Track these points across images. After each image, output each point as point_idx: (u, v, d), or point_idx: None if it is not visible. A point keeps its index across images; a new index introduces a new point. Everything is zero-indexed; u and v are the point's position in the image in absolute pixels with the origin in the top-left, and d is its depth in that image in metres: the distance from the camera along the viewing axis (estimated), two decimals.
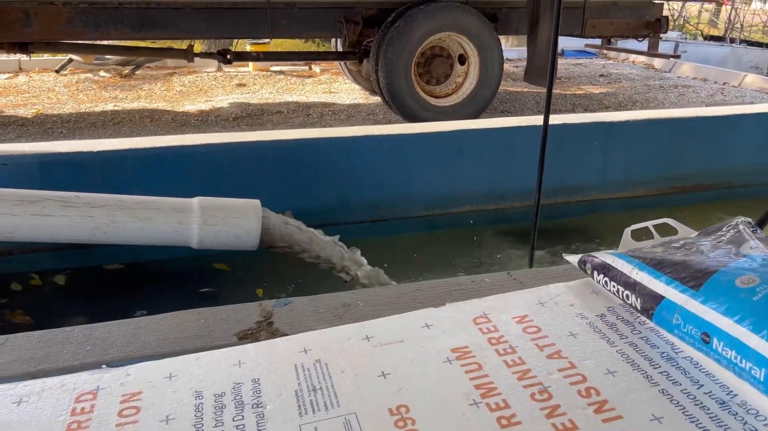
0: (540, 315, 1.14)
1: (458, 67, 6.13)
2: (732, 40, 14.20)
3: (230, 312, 1.23)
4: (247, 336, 1.16)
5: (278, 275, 2.52)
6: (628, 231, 1.32)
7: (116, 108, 6.97)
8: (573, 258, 1.28)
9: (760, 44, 13.19)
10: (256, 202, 1.68)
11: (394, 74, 5.64)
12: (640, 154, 2.96)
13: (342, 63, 7.73)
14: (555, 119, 2.91)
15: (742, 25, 15.54)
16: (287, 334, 1.16)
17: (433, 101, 6.00)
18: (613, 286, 1.15)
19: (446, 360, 1.03)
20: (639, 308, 1.09)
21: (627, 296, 1.11)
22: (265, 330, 1.17)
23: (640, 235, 1.33)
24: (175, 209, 1.62)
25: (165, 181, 2.43)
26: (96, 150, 2.36)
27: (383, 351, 1.06)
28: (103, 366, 1.06)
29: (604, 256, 1.19)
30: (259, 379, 1.01)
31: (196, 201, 1.66)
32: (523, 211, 2.82)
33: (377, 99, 7.36)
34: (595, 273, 1.20)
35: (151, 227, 1.53)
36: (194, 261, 2.47)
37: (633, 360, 1.00)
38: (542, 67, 6.20)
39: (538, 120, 2.88)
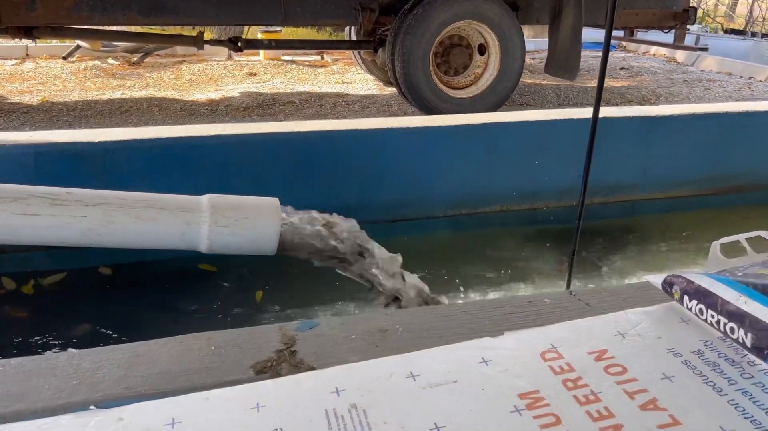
0: (622, 350, 0.93)
1: (478, 58, 5.90)
2: (753, 34, 13.84)
3: (245, 337, 1.04)
4: (265, 369, 0.96)
5: (277, 274, 2.31)
6: (716, 245, 1.11)
7: (124, 96, 6.80)
8: (655, 279, 1.07)
9: None
10: (275, 201, 1.47)
11: (411, 64, 5.41)
12: (684, 151, 2.74)
13: (356, 52, 7.51)
14: (590, 113, 2.69)
15: (764, 18, 15.16)
16: (314, 367, 0.97)
17: (451, 93, 5.77)
18: (712, 316, 0.94)
19: (514, 409, 0.83)
20: (749, 346, 0.88)
21: (731, 329, 0.91)
22: (287, 361, 0.98)
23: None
24: (181, 208, 1.41)
25: (171, 175, 2.25)
26: (97, 140, 2.17)
27: (434, 396, 0.86)
28: (92, 407, 0.87)
29: (699, 279, 0.99)
30: (281, 429, 0.82)
31: (205, 199, 1.45)
32: (559, 212, 2.62)
33: (391, 90, 7.14)
34: (686, 298, 0.99)
35: (154, 229, 1.33)
36: (178, 262, 2.26)
37: (752, 416, 0.79)
38: (565, 59, 5.97)
39: (576, 113, 2.67)
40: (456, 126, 2.42)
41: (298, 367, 0.97)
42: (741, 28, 15.28)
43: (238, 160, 2.26)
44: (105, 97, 6.72)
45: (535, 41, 9.93)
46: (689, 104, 5.28)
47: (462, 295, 2.05)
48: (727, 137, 2.68)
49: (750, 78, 8.20)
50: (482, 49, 5.86)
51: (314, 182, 2.34)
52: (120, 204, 1.35)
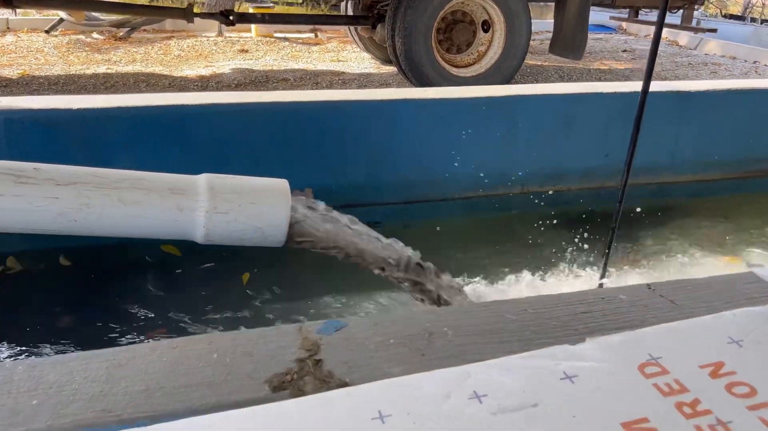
0: (743, 363, 0.73)
1: (481, 35, 5.65)
2: (753, 20, 13.69)
3: (256, 341, 0.83)
4: (284, 385, 0.75)
5: (263, 251, 1.94)
6: None
7: (109, 71, 6.49)
8: (763, 272, 0.87)
9: None
10: (284, 184, 1.24)
11: (413, 40, 5.16)
12: (716, 130, 2.55)
13: (352, 29, 7.22)
14: (624, 86, 2.49)
15: (764, 4, 14.99)
16: (347, 382, 0.76)
17: (454, 71, 5.53)
18: None
19: None
20: None
21: None
22: (311, 373, 0.77)
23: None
24: (173, 190, 1.17)
25: (159, 149, 2.01)
26: (75, 107, 1.91)
27: (509, 425, 0.66)
28: None
29: None
30: None
31: (203, 179, 1.21)
32: (582, 195, 2.42)
33: (389, 69, 6.89)
34: None
35: (139, 214, 1.10)
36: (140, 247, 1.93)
37: None
38: (571, 38, 5.74)
39: (606, 87, 2.46)
40: (474, 99, 2.20)
41: (326, 382, 0.76)
42: (738, 14, 15.10)
43: (236, 132, 2.03)
44: (89, 71, 6.41)
45: (534, 22, 9.66)
46: (722, 79, 5.10)
47: (485, 286, 1.85)
48: (762, 116, 2.48)
49: (755, 62, 8.01)
50: (486, 26, 5.61)
51: (320, 159, 2.11)
52: (98, 183, 1.11)
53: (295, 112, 2.05)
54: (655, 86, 2.54)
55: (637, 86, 2.54)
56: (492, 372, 0.74)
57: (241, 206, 1.18)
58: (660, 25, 1.54)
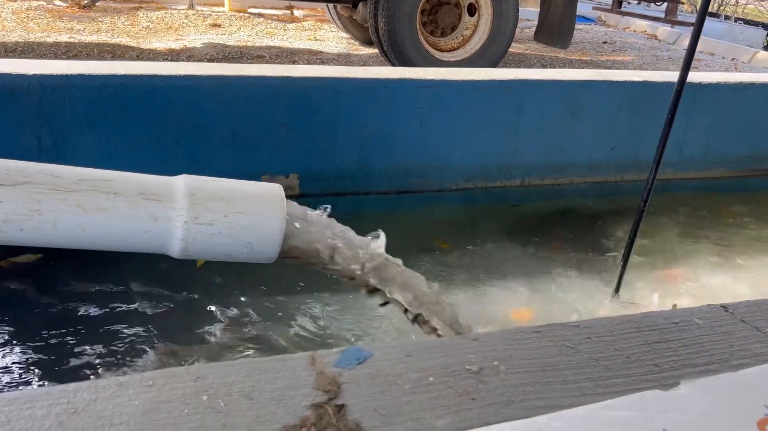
0: None
1: (467, 18, 5.47)
2: (727, 17, 13.83)
3: (257, 377, 0.64)
4: None
5: None
6: None
7: (71, 40, 6.11)
8: None
9: (755, 23, 12.84)
10: (277, 189, 1.02)
11: (397, 20, 4.95)
12: (724, 126, 2.43)
13: (331, 7, 6.97)
14: (633, 75, 2.35)
15: (737, 1, 15.16)
16: None
17: (438, 55, 5.34)
18: None
19: None
20: None
21: None
22: (334, 426, 0.59)
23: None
24: (146, 194, 0.94)
25: (127, 125, 1.77)
26: (31, 73, 1.66)
27: None
28: None
29: None
30: None
31: (182, 182, 0.98)
32: (584, 189, 2.28)
33: (369, 50, 6.67)
34: None
35: (103, 223, 0.88)
36: None
37: None
38: (558, 26, 5.62)
39: (616, 75, 2.32)
40: (475, 81, 2.02)
41: None
42: (713, 11, 15.23)
43: (215, 109, 1.80)
44: (50, 39, 6.02)
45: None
46: (731, 72, 5.03)
47: (486, 295, 1.67)
48: None
49: (733, 59, 8.04)
50: (472, 10, 5.43)
51: (308, 141, 1.91)
52: (53, 185, 0.88)
53: (282, 89, 1.83)
54: (668, 76, 2.42)
55: (648, 75, 2.41)
56: (570, 427, 0.57)
57: (227, 216, 0.96)
58: (703, 13, 1.40)
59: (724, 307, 0.81)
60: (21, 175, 0.88)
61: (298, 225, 1.06)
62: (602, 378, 0.67)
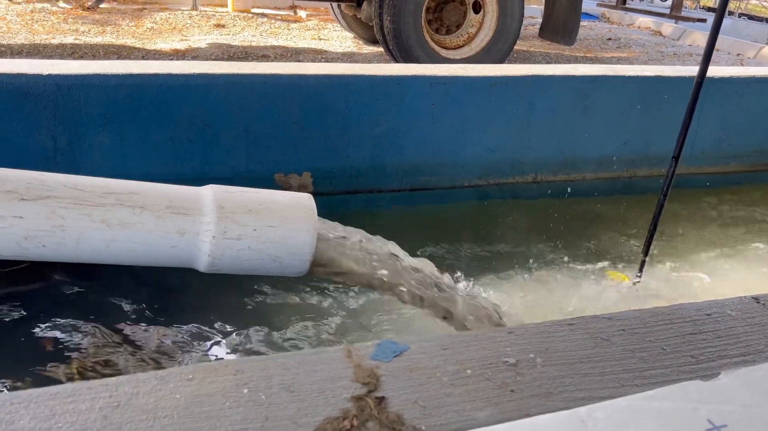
0: None
1: (472, 16, 5.46)
2: (730, 13, 13.79)
3: (295, 369, 0.65)
4: None
5: None
6: None
7: (77, 41, 6.12)
8: None
9: (760, 18, 12.80)
10: (308, 200, 1.01)
11: (402, 18, 4.95)
12: (736, 120, 2.42)
13: (335, 6, 6.96)
14: (646, 70, 2.35)
15: None
16: (422, 430, 0.58)
17: (443, 53, 5.33)
18: None
19: None
20: None
21: None
22: (375, 418, 0.59)
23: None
24: (173, 208, 0.92)
25: (142, 124, 1.78)
26: (46, 73, 1.66)
27: None
28: None
29: None
30: None
31: (209, 194, 0.96)
32: (596, 185, 2.28)
33: (373, 49, 6.67)
34: None
35: (128, 239, 0.86)
36: None
37: None
38: (563, 22, 5.61)
39: (630, 69, 2.31)
40: (488, 77, 2.02)
41: (393, 430, 0.58)
42: (712, 6, 15.19)
43: (228, 107, 1.81)
44: (55, 41, 6.04)
45: None
46: (745, 67, 5.01)
47: (506, 291, 1.67)
48: None
49: (738, 54, 8.02)
50: (477, 7, 5.43)
51: (321, 139, 1.91)
52: (76, 199, 0.85)
53: (295, 87, 1.83)
54: (680, 71, 2.41)
55: (661, 70, 2.41)
56: (612, 418, 0.57)
57: (256, 230, 0.93)
58: (723, 4, 1.40)
59: (756, 299, 0.81)
60: (43, 189, 0.85)
61: (331, 236, 1.03)
62: (639, 369, 0.67)
